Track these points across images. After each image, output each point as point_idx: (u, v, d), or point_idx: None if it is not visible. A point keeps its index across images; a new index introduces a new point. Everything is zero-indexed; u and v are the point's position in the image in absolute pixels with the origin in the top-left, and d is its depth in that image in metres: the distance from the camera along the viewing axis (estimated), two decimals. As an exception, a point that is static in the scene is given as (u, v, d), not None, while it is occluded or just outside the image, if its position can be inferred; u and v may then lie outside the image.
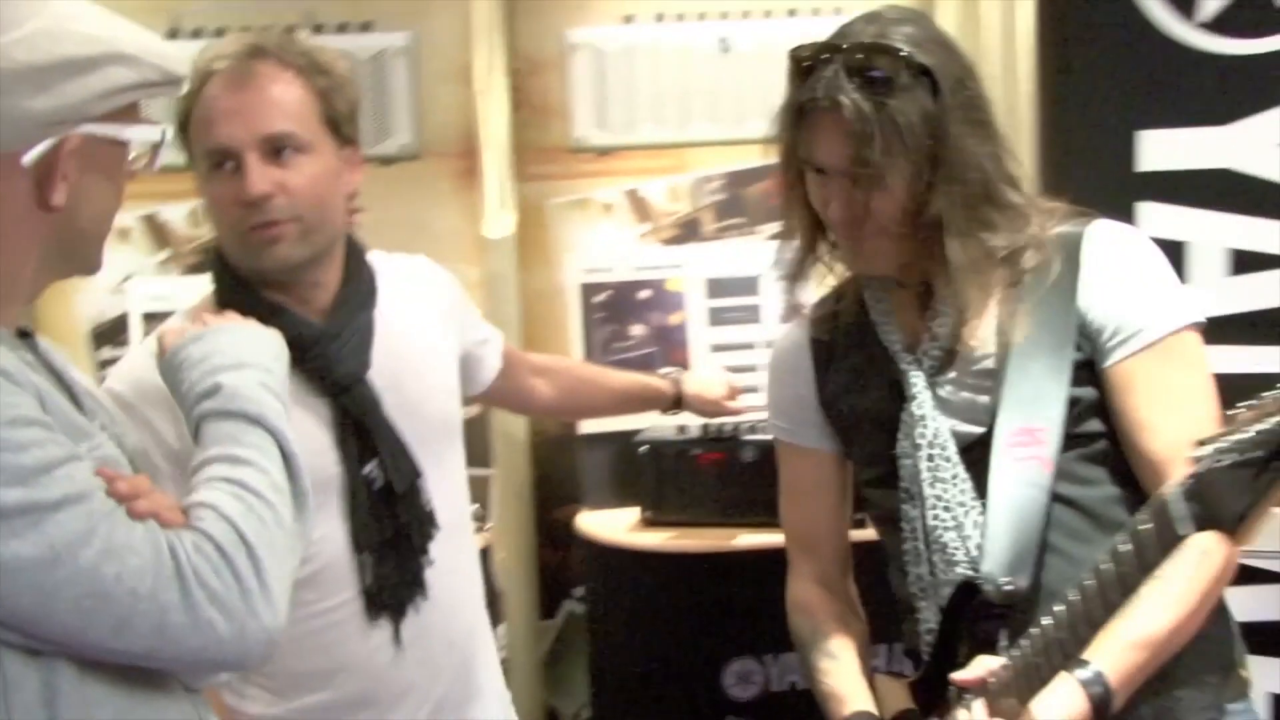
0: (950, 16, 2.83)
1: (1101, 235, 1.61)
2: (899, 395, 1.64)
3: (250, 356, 1.35)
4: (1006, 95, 2.87)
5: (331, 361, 1.63)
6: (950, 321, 1.59)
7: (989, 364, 1.59)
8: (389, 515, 1.63)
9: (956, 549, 1.57)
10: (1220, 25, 2.43)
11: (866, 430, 1.69)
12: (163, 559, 1.13)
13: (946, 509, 1.57)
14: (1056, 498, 1.56)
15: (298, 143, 1.62)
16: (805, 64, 1.55)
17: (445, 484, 1.75)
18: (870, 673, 1.71)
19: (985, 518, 1.56)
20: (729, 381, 2.34)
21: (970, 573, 1.56)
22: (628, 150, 2.97)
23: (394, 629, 1.67)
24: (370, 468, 1.62)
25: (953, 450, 1.59)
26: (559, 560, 2.91)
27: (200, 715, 1.28)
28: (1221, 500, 1.34)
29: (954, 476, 1.57)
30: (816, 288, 1.73)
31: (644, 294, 2.74)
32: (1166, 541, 1.39)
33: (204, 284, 1.75)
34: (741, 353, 2.74)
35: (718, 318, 2.79)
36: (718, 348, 2.76)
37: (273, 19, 2.52)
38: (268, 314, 1.58)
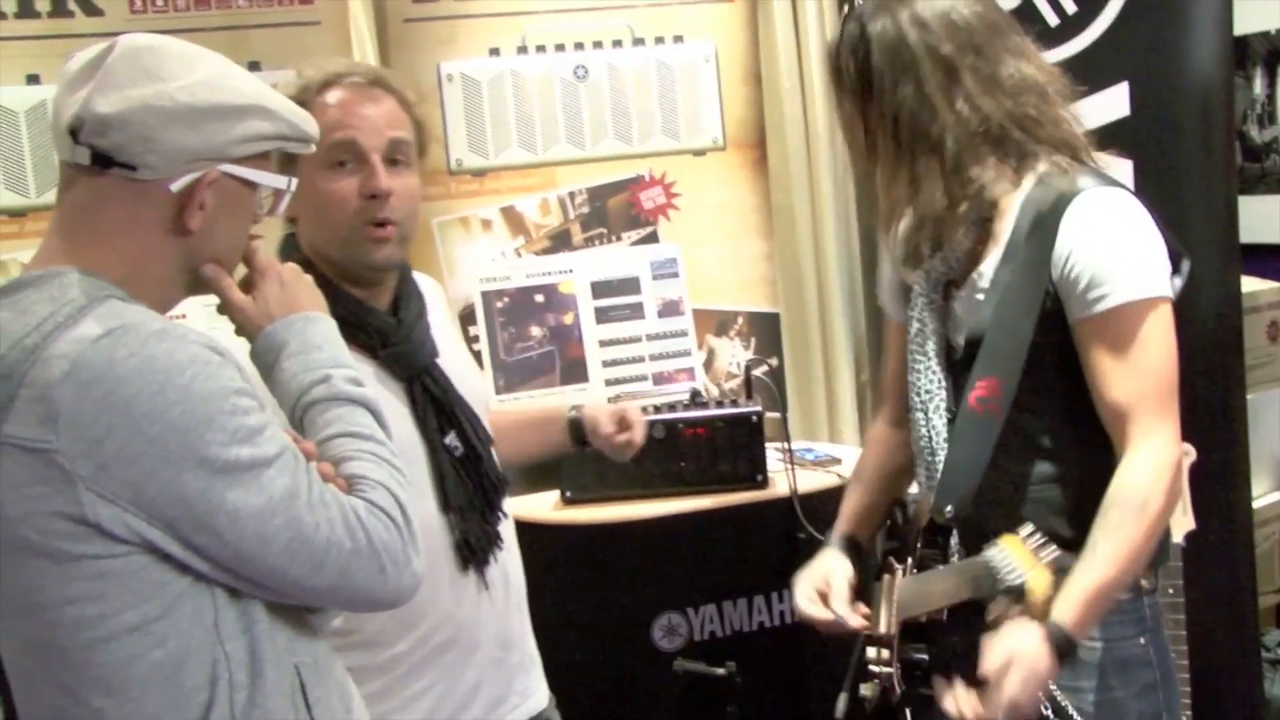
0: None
1: (1089, 201, 1.77)
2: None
3: (340, 351, 1.55)
4: (805, 109, 3.31)
5: (414, 348, 1.83)
6: (960, 249, 1.87)
7: (980, 296, 1.86)
8: (471, 478, 1.83)
9: (923, 426, 1.91)
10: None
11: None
12: (347, 515, 1.36)
13: (918, 394, 1.92)
14: (1007, 424, 1.80)
15: (408, 155, 1.82)
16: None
17: (493, 448, 1.94)
18: (892, 501, 2.02)
19: (944, 455, 1.86)
20: (618, 413, 2.24)
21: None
22: (501, 171, 3.24)
23: (481, 577, 1.85)
24: (450, 438, 1.82)
25: (930, 348, 1.91)
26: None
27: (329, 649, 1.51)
28: None
29: (926, 369, 1.92)
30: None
31: (539, 298, 2.99)
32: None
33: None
34: (628, 346, 3.03)
35: (603, 316, 3.08)
36: (605, 343, 3.04)
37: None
38: (354, 310, 1.77)
